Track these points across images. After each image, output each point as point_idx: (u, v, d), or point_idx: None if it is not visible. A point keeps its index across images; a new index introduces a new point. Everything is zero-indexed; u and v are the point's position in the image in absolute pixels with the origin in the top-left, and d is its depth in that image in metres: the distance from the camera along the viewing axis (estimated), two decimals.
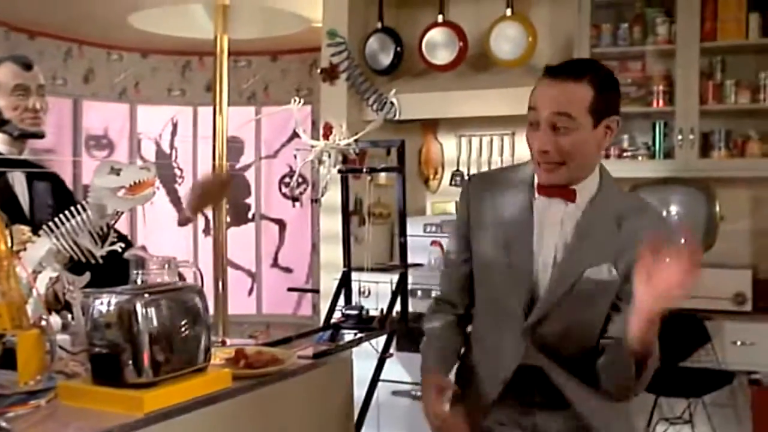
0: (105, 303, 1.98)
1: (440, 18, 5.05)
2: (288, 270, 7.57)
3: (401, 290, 3.64)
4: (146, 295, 2.01)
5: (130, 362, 1.96)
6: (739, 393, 4.57)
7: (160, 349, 1.99)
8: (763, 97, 4.50)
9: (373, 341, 3.51)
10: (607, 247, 2.19)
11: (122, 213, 2.43)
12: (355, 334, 3.39)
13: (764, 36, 4.47)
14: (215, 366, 2.29)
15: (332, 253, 4.63)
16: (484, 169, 5.27)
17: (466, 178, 2.23)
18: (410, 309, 3.68)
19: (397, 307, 3.63)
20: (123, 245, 2.44)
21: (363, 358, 3.47)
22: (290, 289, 7.28)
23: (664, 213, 4.61)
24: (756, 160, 4.54)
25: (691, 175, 4.59)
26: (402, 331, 3.70)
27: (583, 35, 4.76)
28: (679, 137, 4.57)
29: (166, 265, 2.27)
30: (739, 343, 4.24)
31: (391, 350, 3.65)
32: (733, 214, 4.62)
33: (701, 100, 4.55)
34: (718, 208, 4.52)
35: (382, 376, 3.65)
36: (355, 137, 3.40)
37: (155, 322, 1.99)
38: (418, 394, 4.62)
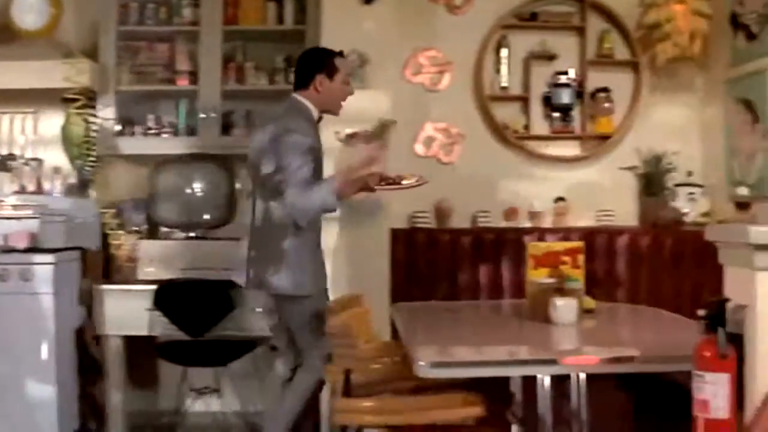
0: None
1: None
2: None
3: None
4: None
5: None
6: (261, 361, 4.83)
7: None
8: (280, 79, 4.84)
9: None
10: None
11: None
12: None
13: (280, 23, 4.83)
14: None
15: None
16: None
17: None
18: None
19: None
20: None
21: None
22: None
23: (188, 190, 4.79)
24: None
25: (213, 151, 4.81)
26: None
27: (110, 12, 4.77)
28: (202, 116, 4.76)
29: None
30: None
31: None
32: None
33: (223, 81, 4.80)
34: (239, 185, 4.78)
35: None
36: None
37: None
38: None
